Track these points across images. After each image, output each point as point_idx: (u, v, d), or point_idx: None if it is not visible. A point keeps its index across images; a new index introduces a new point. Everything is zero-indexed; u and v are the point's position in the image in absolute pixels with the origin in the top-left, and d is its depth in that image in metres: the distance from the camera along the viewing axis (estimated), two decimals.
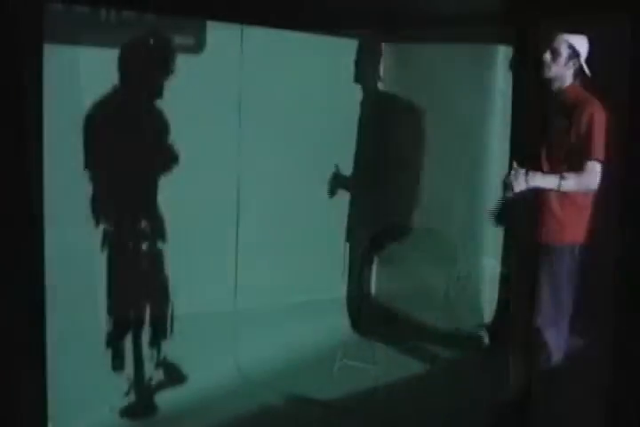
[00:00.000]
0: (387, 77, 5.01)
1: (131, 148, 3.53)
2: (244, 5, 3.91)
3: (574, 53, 3.52)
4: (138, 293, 3.71)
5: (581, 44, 3.55)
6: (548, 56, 3.51)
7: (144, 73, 3.57)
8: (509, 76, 4.63)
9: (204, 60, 3.82)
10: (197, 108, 3.79)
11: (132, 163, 3.55)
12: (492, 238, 4.52)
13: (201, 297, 3.95)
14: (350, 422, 3.80)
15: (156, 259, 3.73)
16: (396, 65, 4.96)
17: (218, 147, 3.96)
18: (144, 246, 3.68)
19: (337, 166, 4.65)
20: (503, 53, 4.61)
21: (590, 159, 3.45)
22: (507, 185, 3.49)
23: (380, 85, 4.67)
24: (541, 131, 3.59)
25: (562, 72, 3.53)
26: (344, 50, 4.67)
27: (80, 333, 3.40)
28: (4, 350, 2.83)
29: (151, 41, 3.54)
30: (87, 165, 3.39)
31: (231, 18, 3.89)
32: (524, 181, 3.46)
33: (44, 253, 2.92)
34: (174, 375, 3.86)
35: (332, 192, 4.65)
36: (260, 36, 4.07)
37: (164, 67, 3.60)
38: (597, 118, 3.46)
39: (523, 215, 3.60)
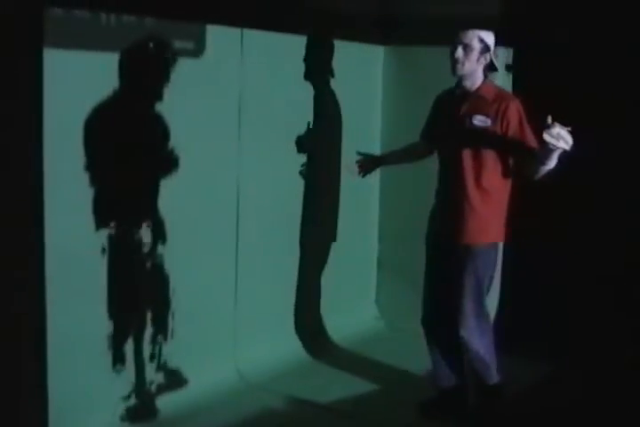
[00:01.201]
0: (386, 80, 5.03)
1: (130, 151, 3.53)
2: (244, 8, 3.93)
3: (485, 47, 3.47)
4: (139, 295, 3.71)
5: (490, 37, 3.50)
6: (460, 52, 3.45)
7: (143, 77, 3.57)
8: (509, 77, 4.65)
9: (204, 63, 3.81)
10: (197, 111, 3.79)
11: (132, 166, 3.55)
12: None
13: (201, 300, 3.95)
14: (350, 424, 3.80)
15: (157, 261, 3.73)
16: (394, 67, 4.98)
17: (217, 150, 3.96)
18: (145, 249, 3.68)
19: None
20: (502, 55, 4.62)
21: (529, 150, 3.40)
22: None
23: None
24: (459, 128, 3.51)
25: (474, 68, 3.47)
26: (344, 52, 4.67)
27: (80, 336, 3.40)
28: (5, 354, 2.84)
29: (151, 45, 3.53)
30: (88, 168, 3.38)
31: (231, 21, 3.90)
32: None
33: (44, 255, 2.93)
34: (174, 379, 3.86)
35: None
36: (260, 39, 4.07)
37: (163, 70, 3.60)
38: (522, 110, 3.45)
39: (446, 215, 3.57)
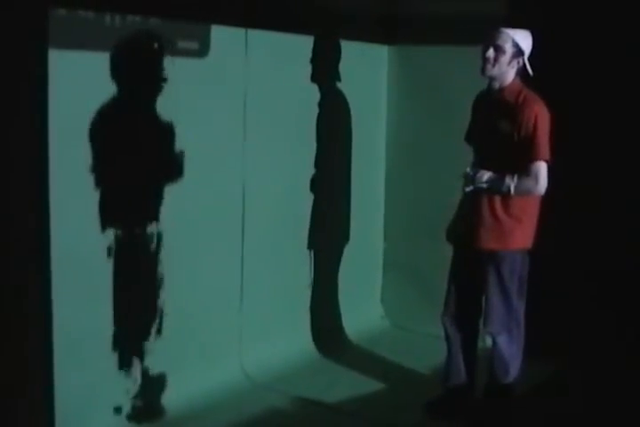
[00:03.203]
0: (391, 81, 5.03)
1: (135, 151, 3.54)
2: (248, 8, 3.93)
3: (519, 52, 3.36)
4: (144, 295, 3.71)
5: (526, 41, 3.38)
6: (491, 53, 3.34)
7: (148, 77, 3.58)
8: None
9: (209, 63, 3.82)
10: (202, 111, 3.79)
11: (137, 166, 3.55)
12: None
13: (206, 299, 3.96)
14: (356, 424, 3.80)
15: (162, 262, 3.73)
16: (399, 68, 4.97)
17: (223, 150, 3.96)
18: (150, 249, 3.68)
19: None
20: None
21: (534, 161, 3.34)
22: (467, 178, 3.42)
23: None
24: (488, 131, 3.47)
25: (505, 70, 3.36)
26: (348, 52, 4.67)
27: (86, 336, 3.41)
28: (10, 353, 2.85)
29: (155, 45, 3.54)
30: (93, 169, 3.39)
31: (235, 21, 3.90)
32: (471, 181, 3.42)
33: (50, 255, 2.94)
34: (179, 378, 3.86)
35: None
36: (265, 39, 4.07)
37: (167, 71, 3.60)
38: (541, 118, 3.33)
39: (470, 223, 3.52)
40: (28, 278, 2.88)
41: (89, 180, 3.37)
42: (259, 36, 4.03)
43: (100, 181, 3.41)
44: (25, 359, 2.86)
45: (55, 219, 2.88)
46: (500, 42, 3.34)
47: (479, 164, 3.51)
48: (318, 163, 4.51)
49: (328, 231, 4.71)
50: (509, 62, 3.36)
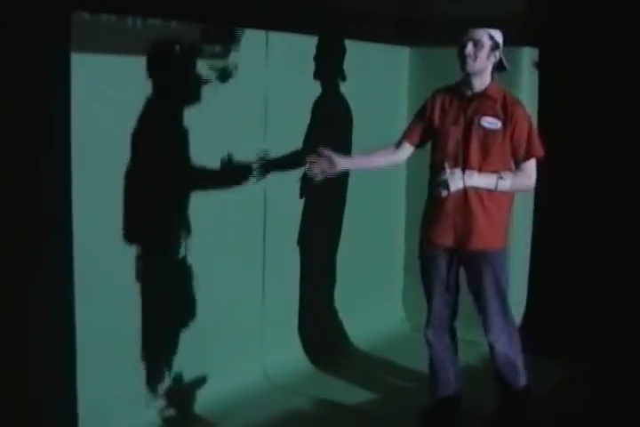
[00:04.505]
0: (412, 82, 5.03)
1: (157, 154, 3.56)
2: (269, 11, 3.94)
3: (495, 45, 3.42)
4: (169, 299, 3.73)
5: (499, 35, 3.46)
6: (470, 48, 3.40)
7: (170, 80, 3.60)
8: (535, 77, 4.63)
9: (230, 66, 3.83)
10: (223, 113, 3.81)
11: (159, 170, 3.58)
12: None
13: (228, 301, 3.97)
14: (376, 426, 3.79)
15: (186, 264, 3.75)
16: (420, 69, 4.97)
17: (243, 152, 3.97)
18: (174, 252, 3.70)
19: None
20: (528, 54, 4.60)
21: (529, 159, 3.42)
22: (443, 184, 3.35)
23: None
24: (467, 129, 3.44)
25: (485, 65, 3.42)
26: (369, 54, 4.67)
27: (111, 339, 3.42)
28: (34, 355, 2.87)
29: (177, 48, 3.56)
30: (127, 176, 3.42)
31: (256, 24, 3.91)
32: (460, 180, 3.37)
33: (72, 258, 2.96)
34: (202, 380, 3.88)
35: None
36: (285, 41, 4.08)
37: (190, 74, 3.63)
38: (530, 117, 3.42)
39: (460, 224, 3.46)
40: (50, 280, 2.91)
41: (109, 181, 3.38)
42: (279, 39, 4.04)
43: (132, 184, 3.43)
44: (48, 362, 2.89)
45: (77, 220, 2.91)
46: (477, 36, 3.41)
47: (458, 165, 3.42)
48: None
49: (326, 233, 4.65)
50: (488, 56, 3.43)
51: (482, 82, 3.46)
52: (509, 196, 3.51)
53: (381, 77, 4.86)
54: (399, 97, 5.04)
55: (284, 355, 4.29)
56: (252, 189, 4.04)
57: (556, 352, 4.35)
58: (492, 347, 3.56)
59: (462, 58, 3.42)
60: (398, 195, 5.14)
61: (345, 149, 4.56)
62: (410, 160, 4.73)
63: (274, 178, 4.12)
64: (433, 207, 3.54)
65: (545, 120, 4.53)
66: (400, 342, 4.83)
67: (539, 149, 3.45)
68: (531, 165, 3.45)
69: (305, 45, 4.22)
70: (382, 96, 4.89)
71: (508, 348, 3.55)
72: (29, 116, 2.79)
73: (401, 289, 5.24)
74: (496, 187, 3.39)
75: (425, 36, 4.86)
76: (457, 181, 3.34)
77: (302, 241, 4.40)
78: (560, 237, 4.59)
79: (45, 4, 2.79)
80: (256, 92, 4.00)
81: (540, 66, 4.62)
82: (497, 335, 3.53)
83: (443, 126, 3.54)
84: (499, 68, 3.51)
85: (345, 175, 4.61)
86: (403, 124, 5.04)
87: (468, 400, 3.76)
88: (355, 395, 4.05)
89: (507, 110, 3.41)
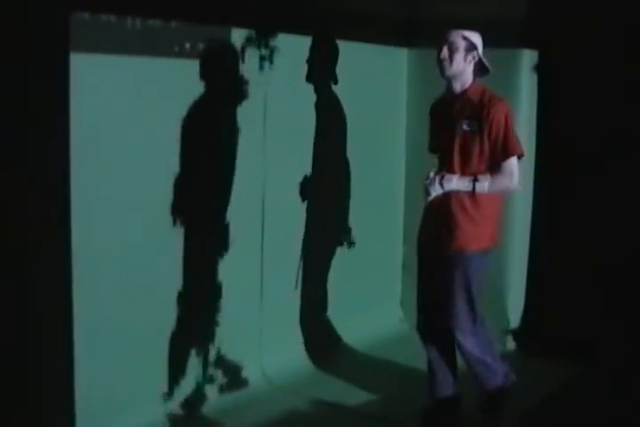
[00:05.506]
0: (410, 83, 5.03)
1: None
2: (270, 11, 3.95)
3: (471, 46, 3.40)
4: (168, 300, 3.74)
5: (475, 36, 3.44)
6: (445, 52, 3.39)
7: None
8: (534, 79, 4.63)
9: (230, 66, 3.84)
10: (221, 113, 3.82)
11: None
12: None
13: (227, 301, 3.97)
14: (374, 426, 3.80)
15: (186, 264, 3.76)
16: (419, 70, 4.98)
17: (242, 153, 3.97)
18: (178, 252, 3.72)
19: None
20: (527, 57, 4.61)
21: (507, 159, 3.38)
22: (424, 189, 3.45)
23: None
24: (451, 133, 3.46)
25: (462, 68, 3.40)
26: (367, 55, 4.68)
27: (111, 339, 3.43)
28: (32, 354, 2.88)
29: (176, 49, 3.56)
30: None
31: (256, 24, 3.92)
32: (439, 185, 3.41)
33: (71, 258, 2.97)
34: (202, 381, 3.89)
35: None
36: (284, 42, 4.08)
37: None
38: (510, 115, 3.38)
39: (439, 223, 3.50)
40: (49, 278, 2.92)
41: (107, 180, 3.38)
42: (278, 40, 4.04)
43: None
44: (47, 360, 2.89)
45: (75, 218, 2.91)
46: (451, 39, 3.41)
47: (443, 169, 3.47)
48: (314, 165, 4.43)
49: (334, 234, 4.68)
50: (465, 58, 3.41)
51: (462, 85, 3.45)
52: (495, 198, 3.49)
53: (380, 78, 4.86)
54: (398, 98, 5.05)
55: (282, 355, 4.29)
56: (250, 189, 4.05)
57: (556, 352, 4.35)
58: (459, 346, 3.55)
59: (438, 62, 3.42)
60: (397, 195, 5.15)
61: (340, 149, 4.59)
62: (408, 161, 4.76)
63: (273, 178, 4.13)
64: (424, 209, 3.62)
65: (544, 122, 4.55)
66: (398, 342, 4.83)
67: (516, 147, 3.39)
68: (510, 165, 3.39)
69: (304, 47, 4.22)
70: (381, 97, 4.89)
71: (478, 349, 3.54)
72: (29, 116, 2.80)
73: (399, 289, 5.25)
74: (473, 189, 3.40)
75: (424, 38, 4.86)
76: (436, 186, 3.43)
77: (301, 241, 4.41)
78: (559, 238, 4.59)
79: (45, 3, 2.80)
80: (256, 92, 4.00)
81: (540, 68, 4.62)
82: (464, 336, 3.52)
83: (437, 133, 3.62)
84: (481, 70, 3.48)
85: (344, 175, 4.63)
86: (402, 125, 5.10)
87: (468, 400, 3.77)
88: (353, 395, 4.05)
89: (483, 110, 3.38)
